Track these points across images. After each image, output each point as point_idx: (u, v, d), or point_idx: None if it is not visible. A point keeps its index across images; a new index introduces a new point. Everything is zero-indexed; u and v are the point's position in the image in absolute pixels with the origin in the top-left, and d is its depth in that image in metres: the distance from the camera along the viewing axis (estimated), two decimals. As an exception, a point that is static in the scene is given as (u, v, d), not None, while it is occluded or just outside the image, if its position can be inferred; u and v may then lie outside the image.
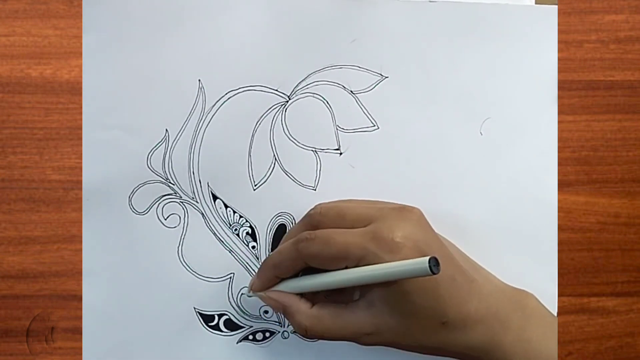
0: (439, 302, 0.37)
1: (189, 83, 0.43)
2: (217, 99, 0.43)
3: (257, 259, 0.43)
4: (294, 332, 0.43)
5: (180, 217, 0.43)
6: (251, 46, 0.43)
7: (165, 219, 0.43)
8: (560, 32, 0.44)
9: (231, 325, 0.43)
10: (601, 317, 0.43)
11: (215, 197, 0.43)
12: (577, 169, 0.44)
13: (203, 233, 0.43)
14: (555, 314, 0.43)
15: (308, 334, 0.39)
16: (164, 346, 0.43)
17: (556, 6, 0.43)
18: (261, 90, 0.43)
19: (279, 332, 0.43)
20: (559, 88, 0.44)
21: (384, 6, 0.43)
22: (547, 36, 0.43)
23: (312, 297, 0.40)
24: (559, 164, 0.44)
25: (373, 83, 0.43)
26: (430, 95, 0.43)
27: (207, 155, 0.43)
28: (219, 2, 0.43)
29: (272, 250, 0.43)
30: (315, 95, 0.43)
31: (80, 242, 0.42)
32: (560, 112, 0.44)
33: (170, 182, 0.43)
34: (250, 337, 0.43)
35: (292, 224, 0.43)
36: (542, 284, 0.43)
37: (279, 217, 0.43)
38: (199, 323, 0.43)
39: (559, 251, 0.43)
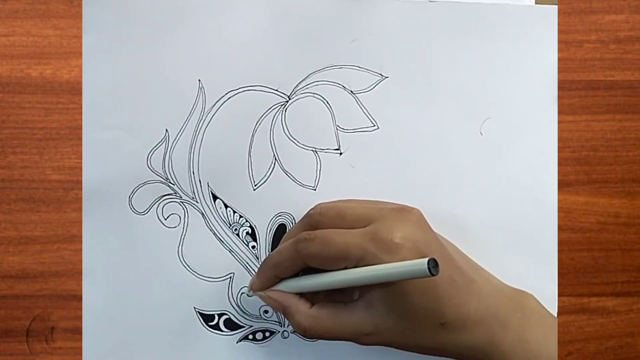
0: (438, 302, 0.37)
1: (189, 83, 0.43)
2: (217, 99, 0.43)
3: (257, 259, 0.43)
4: (294, 331, 0.43)
5: (180, 217, 0.43)
6: (251, 46, 0.43)
7: (165, 219, 0.43)
8: (560, 32, 0.44)
9: (231, 325, 0.43)
10: (601, 317, 0.43)
11: (215, 197, 0.43)
12: (577, 169, 0.44)
13: (203, 233, 0.43)
14: (555, 314, 0.43)
15: (307, 334, 0.39)
16: (164, 346, 0.43)
17: (556, 6, 0.43)
18: (261, 90, 0.43)
19: (279, 331, 0.44)
20: (559, 88, 0.44)
21: (384, 6, 0.43)
22: (547, 36, 0.43)
23: (312, 297, 0.40)
24: (559, 164, 0.44)
25: (373, 83, 0.43)
26: (430, 95, 0.43)
27: (207, 155, 0.43)
28: (219, 2, 0.43)
29: (272, 250, 0.43)
30: (315, 95, 0.43)
31: (80, 242, 0.42)
32: (560, 112, 0.44)
33: (170, 182, 0.43)
34: (250, 336, 0.43)
35: (292, 224, 0.43)
36: (542, 284, 0.43)
37: (279, 217, 0.43)
38: (199, 323, 0.43)
39: (559, 251, 0.43)
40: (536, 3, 0.44)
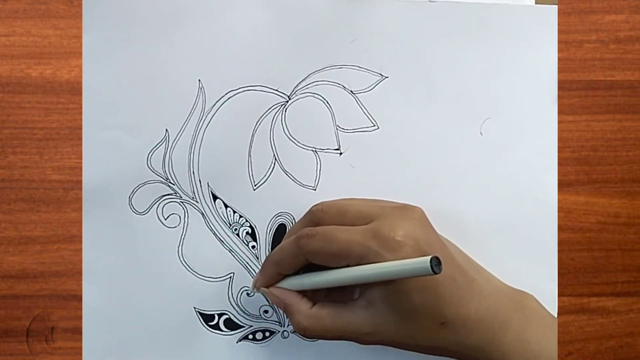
0: (439, 301, 0.37)
1: (189, 83, 0.43)
2: (217, 99, 0.43)
3: (257, 258, 0.43)
4: (294, 331, 0.43)
5: (180, 217, 0.43)
6: (251, 46, 0.43)
7: (165, 219, 0.43)
8: (560, 32, 0.44)
9: (231, 325, 0.43)
10: (601, 317, 0.43)
11: (215, 197, 0.43)
12: (577, 169, 0.44)
13: (203, 233, 0.43)
14: (555, 314, 0.43)
15: (307, 333, 0.39)
16: (164, 346, 0.43)
17: (556, 6, 0.43)
18: (261, 90, 0.43)
19: (279, 331, 0.44)
20: (559, 88, 0.44)
21: (384, 6, 0.43)
22: (547, 36, 0.43)
23: (313, 296, 0.40)
24: (559, 164, 0.44)
25: (373, 83, 0.43)
26: (430, 95, 0.43)
27: (207, 155, 0.43)
28: (219, 2, 0.43)
29: (272, 250, 0.43)
30: (315, 95, 0.43)
31: (80, 242, 0.42)
32: (560, 112, 0.44)
33: (170, 182, 0.43)
34: (250, 336, 0.43)
35: (292, 223, 0.43)
36: (542, 284, 0.43)
37: (279, 217, 0.43)
38: (199, 323, 0.43)
39: (559, 251, 0.43)
40: (536, 3, 0.44)
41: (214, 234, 0.43)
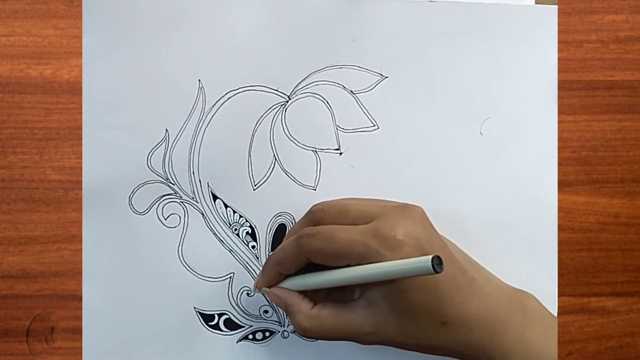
0: (440, 301, 0.37)
1: (189, 83, 0.43)
2: (217, 99, 0.43)
3: (257, 258, 0.43)
4: (294, 331, 0.43)
5: (180, 217, 0.43)
6: (251, 46, 0.43)
7: (165, 219, 0.43)
8: (560, 32, 0.44)
9: (231, 325, 0.43)
10: (601, 317, 0.43)
11: (215, 197, 0.43)
12: (577, 169, 0.44)
13: (203, 233, 0.43)
14: (555, 314, 0.43)
15: (307, 334, 0.39)
16: (164, 346, 0.43)
17: (556, 6, 0.43)
18: (261, 90, 0.43)
19: (279, 331, 0.43)
20: (559, 88, 0.44)
21: (384, 6, 0.43)
22: (547, 36, 0.43)
23: (314, 296, 0.40)
24: (559, 164, 0.44)
25: (373, 83, 0.43)
26: (430, 95, 0.43)
27: (207, 155, 0.43)
28: (219, 2, 0.43)
29: (272, 250, 0.43)
30: (315, 95, 0.43)
31: (80, 242, 0.42)
32: (560, 112, 0.44)
33: (170, 182, 0.43)
34: (250, 336, 0.43)
35: (292, 223, 0.43)
36: (542, 284, 0.43)
37: (279, 217, 0.43)
38: (199, 323, 0.43)
39: (559, 251, 0.43)
40: (536, 3, 0.44)
41: (214, 234, 0.43)
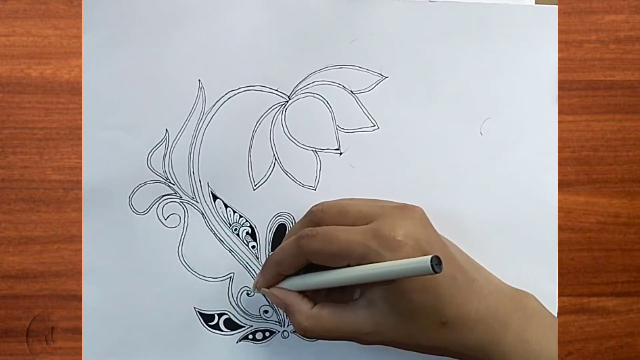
0: (439, 301, 0.37)
1: (189, 83, 0.43)
2: (217, 99, 0.43)
3: (257, 258, 0.43)
4: (294, 331, 0.43)
5: (180, 217, 0.43)
6: (251, 46, 0.43)
7: (165, 219, 0.43)
8: (560, 32, 0.44)
9: (231, 325, 0.43)
10: (601, 317, 0.43)
11: (215, 197, 0.43)
12: (577, 169, 0.44)
13: (203, 233, 0.43)
14: (555, 314, 0.43)
15: (307, 334, 0.39)
16: (164, 346, 0.43)
17: (556, 6, 0.43)
18: (261, 90, 0.43)
19: (279, 331, 0.44)
20: (559, 88, 0.44)
21: (384, 6, 0.43)
22: (547, 36, 0.43)
23: (314, 296, 0.40)
24: (559, 164, 0.44)
25: (373, 83, 0.43)
26: (430, 95, 0.43)
27: (207, 155, 0.43)
28: (219, 2, 0.43)
29: (272, 250, 0.43)
30: (315, 95, 0.43)
31: (80, 242, 0.42)
32: (560, 112, 0.44)
33: (170, 182, 0.43)
34: (250, 336, 0.43)
35: (292, 223, 0.43)
36: (542, 284, 0.43)
37: (279, 217, 0.43)
38: (199, 323, 0.43)
39: (559, 251, 0.43)
40: (536, 3, 0.44)
41: (214, 234, 0.43)
